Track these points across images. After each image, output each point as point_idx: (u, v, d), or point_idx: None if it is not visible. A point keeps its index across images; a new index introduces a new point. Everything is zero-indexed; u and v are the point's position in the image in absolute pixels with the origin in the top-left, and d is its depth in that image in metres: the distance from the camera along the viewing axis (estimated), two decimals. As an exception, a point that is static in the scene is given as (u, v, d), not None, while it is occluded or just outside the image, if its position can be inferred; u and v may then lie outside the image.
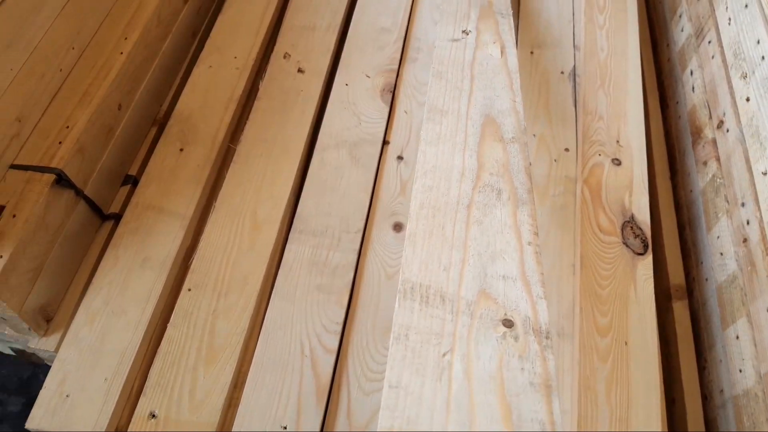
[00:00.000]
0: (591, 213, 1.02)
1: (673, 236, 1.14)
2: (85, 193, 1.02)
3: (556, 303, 0.95)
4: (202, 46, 1.26)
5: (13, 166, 0.95)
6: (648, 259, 0.98)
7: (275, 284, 0.95)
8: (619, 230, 1.00)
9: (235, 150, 1.10)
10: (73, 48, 1.06)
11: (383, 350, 0.90)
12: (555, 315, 0.94)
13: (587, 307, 0.92)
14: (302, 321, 0.91)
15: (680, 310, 1.06)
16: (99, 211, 1.07)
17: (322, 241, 0.99)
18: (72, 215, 1.00)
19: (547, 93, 1.21)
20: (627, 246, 0.99)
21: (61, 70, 1.03)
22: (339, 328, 0.91)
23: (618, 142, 1.12)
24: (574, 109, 1.19)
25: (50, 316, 0.97)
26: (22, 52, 0.94)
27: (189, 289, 0.94)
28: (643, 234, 1.01)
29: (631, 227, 1.01)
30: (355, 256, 0.98)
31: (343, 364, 0.89)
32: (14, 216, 0.90)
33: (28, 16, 0.94)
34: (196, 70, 1.22)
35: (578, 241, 1.00)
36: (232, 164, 1.08)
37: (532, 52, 1.28)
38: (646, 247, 0.99)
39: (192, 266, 0.96)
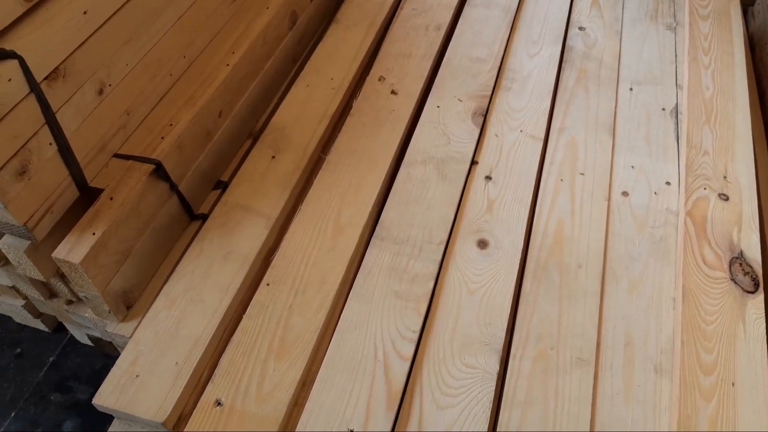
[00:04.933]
0: (695, 246, 0.94)
1: (784, 281, 1.03)
2: (179, 188, 1.05)
3: (655, 336, 0.87)
4: (301, 72, 1.31)
5: (116, 155, 1.00)
6: (759, 298, 0.89)
7: (353, 286, 0.93)
8: (726, 266, 0.92)
9: (324, 159, 1.12)
10: (184, 57, 1.12)
11: (461, 365, 0.84)
12: (653, 350, 0.86)
13: (690, 341, 0.83)
14: (378, 324, 0.87)
15: (792, 360, 0.94)
16: (189, 210, 1.09)
17: (404, 249, 0.97)
18: (164, 208, 1.02)
19: (647, 126, 1.17)
20: (735, 282, 0.90)
21: (171, 75, 1.09)
22: (415, 336, 0.87)
23: (725, 177, 1.05)
24: (676, 144, 1.14)
25: (131, 303, 0.98)
26: (138, 51, 1.00)
27: (268, 284, 0.93)
28: (753, 272, 0.91)
29: (740, 264, 0.92)
30: (437, 267, 0.95)
31: (417, 374, 0.84)
32: (111, 198, 0.94)
33: (147, 19, 1.01)
34: (294, 88, 1.26)
35: (680, 274, 0.92)
36: (320, 171, 1.09)
37: (631, 89, 1.24)
38: (756, 285, 0.90)
39: (273, 262, 0.96)
